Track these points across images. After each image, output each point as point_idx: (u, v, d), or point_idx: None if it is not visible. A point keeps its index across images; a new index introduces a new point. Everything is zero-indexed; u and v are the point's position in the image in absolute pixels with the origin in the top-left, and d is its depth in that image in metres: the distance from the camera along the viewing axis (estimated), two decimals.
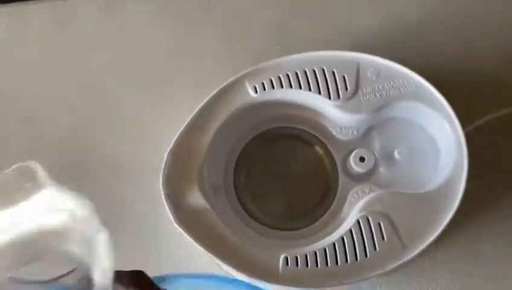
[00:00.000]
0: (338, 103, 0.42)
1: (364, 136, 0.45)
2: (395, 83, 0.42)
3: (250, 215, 0.44)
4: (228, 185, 0.44)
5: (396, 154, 0.43)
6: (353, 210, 0.41)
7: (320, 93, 0.42)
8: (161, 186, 0.39)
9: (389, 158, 0.44)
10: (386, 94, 0.42)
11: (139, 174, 0.47)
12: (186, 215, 0.39)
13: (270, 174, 0.44)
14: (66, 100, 0.50)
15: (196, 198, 0.40)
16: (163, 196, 0.39)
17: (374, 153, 0.43)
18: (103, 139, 0.49)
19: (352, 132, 0.44)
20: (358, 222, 0.39)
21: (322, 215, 0.44)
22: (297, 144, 0.46)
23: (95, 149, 0.48)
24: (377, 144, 0.45)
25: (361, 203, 0.40)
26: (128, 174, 0.47)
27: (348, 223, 0.40)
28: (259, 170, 0.45)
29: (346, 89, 0.42)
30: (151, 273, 0.30)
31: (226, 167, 0.45)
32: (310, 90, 0.42)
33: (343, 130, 0.44)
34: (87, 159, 0.48)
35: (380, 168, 0.44)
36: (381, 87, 0.42)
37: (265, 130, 0.46)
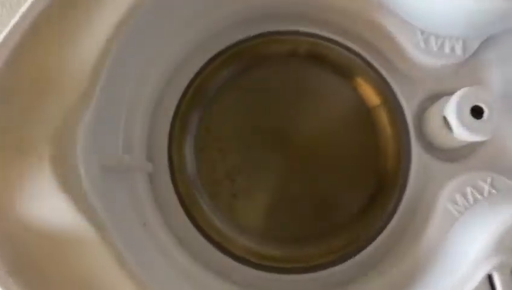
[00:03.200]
0: None
1: (475, 61, 0.20)
2: None
3: (207, 235, 0.20)
4: (156, 166, 0.19)
5: None
6: (461, 241, 0.16)
7: None
8: None
9: None
10: None
11: None
12: (26, 253, 0.14)
13: (255, 141, 0.21)
14: None
15: (52, 203, 0.14)
16: None
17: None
18: None
19: (453, 46, 0.19)
20: (489, 279, 0.14)
21: (374, 239, 0.19)
22: (320, 75, 0.21)
23: None
24: (499, 79, 0.21)
25: (484, 226, 0.15)
26: None
27: (458, 279, 0.15)
28: (230, 130, 0.21)
29: None
30: None
31: (152, 122, 0.20)
32: None
33: (433, 41, 0.19)
34: None
35: (507, 134, 0.20)
36: None
37: (243, 40, 0.21)
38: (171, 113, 0.20)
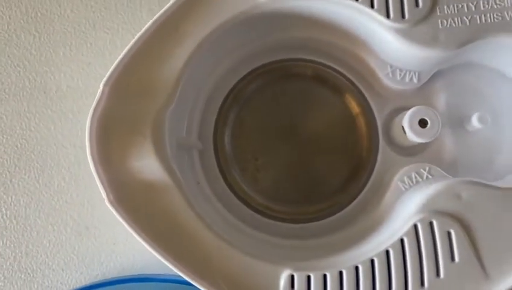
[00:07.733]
0: (401, 25, 0.25)
1: (427, 87, 0.28)
2: (496, 4, 0.26)
3: (237, 195, 0.28)
4: (205, 146, 0.28)
5: (474, 121, 0.27)
6: (404, 205, 0.25)
7: (372, 6, 0.25)
8: (87, 141, 0.23)
9: (461, 126, 0.28)
10: (480, 20, 0.25)
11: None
12: (130, 191, 0.23)
13: (273, 133, 0.29)
14: None
15: (148, 164, 0.23)
16: (89, 157, 0.23)
17: (438, 115, 0.27)
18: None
19: (411, 77, 0.27)
20: (415, 227, 0.23)
21: (350, 203, 0.28)
22: (321, 90, 0.29)
23: None
24: (443, 101, 0.29)
25: (419, 195, 0.24)
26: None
27: (398, 227, 0.24)
28: (256, 124, 0.29)
29: (417, 4, 0.25)
30: None
31: (204, 115, 0.28)
32: None
33: (398, 73, 0.27)
34: None
35: (446, 140, 0.28)
36: (472, 8, 0.26)
37: (272, 62, 0.29)
38: (217, 108, 0.29)
